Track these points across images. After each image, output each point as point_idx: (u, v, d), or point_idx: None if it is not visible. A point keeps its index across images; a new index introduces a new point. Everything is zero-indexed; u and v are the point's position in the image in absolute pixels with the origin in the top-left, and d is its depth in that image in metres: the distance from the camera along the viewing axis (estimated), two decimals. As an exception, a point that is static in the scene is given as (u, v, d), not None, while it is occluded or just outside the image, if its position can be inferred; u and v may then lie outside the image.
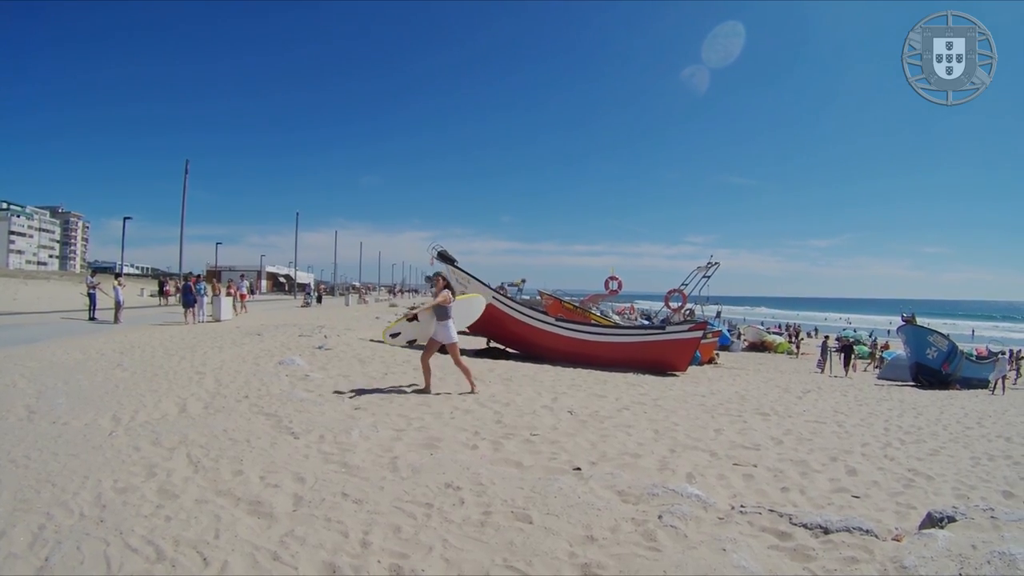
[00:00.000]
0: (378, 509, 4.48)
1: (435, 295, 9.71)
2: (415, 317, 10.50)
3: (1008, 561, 3.34)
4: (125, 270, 54.13)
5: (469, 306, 11.53)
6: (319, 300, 56.22)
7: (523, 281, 42.26)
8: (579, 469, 5.94)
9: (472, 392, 9.84)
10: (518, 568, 3.61)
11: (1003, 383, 22.41)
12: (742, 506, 4.83)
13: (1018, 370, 31.36)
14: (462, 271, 18.95)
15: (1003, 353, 25.81)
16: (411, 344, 11.20)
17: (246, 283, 41.52)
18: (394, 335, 10.89)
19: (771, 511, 4.62)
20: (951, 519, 4.28)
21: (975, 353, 30.16)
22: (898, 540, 4.12)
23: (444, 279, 9.74)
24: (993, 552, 3.45)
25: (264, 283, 79.01)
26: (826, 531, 4.21)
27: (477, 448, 6.59)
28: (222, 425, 6.83)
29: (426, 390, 9.69)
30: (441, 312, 9.57)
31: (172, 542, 3.78)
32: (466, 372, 9.99)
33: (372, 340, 18.34)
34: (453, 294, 9.71)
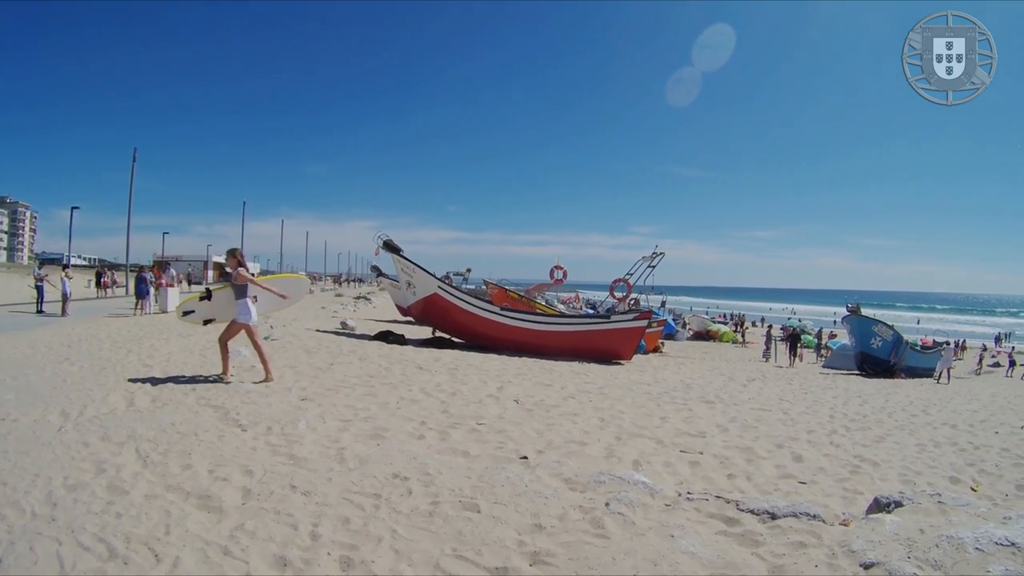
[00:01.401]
0: (327, 501, 4.42)
1: (232, 273, 8.99)
2: (209, 295, 9.94)
3: (956, 545, 3.31)
4: (73, 261, 52.36)
5: (286, 286, 10.77)
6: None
7: (468, 270, 42.32)
8: (526, 458, 5.93)
9: (266, 380, 9.02)
10: (467, 557, 3.57)
11: (948, 373, 22.90)
12: (689, 493, 4.83)
13: (980, 360, 32.35)
14: (407, 260, 18.91)
15: (948, 344, 26.42)
16: (208, 323, 10.37)
17: (172, 271, 40.23)
18: (187, 312, 10.08)
19: (718, 497, 4.62)
20: (898, 504, 4.28)
21: (920, 343, 30.83)
22: (846, 525, 4.10)
23: (238, 256, 9.02)
24: (941, 536, 3.43)
25: (211, 273, 77.14)
26: (773, 517, 4.19)
27: (424, 438, 6.56)
28: (170, 418, 6.63)
29: (223, 375, 9.00)
30: (238, 291, 8.87)
31: (124, 539, 3.67)
32: (263, 359, 9.18)
33: (318, 330, 18.26)
34: (247, 271, 9.03)
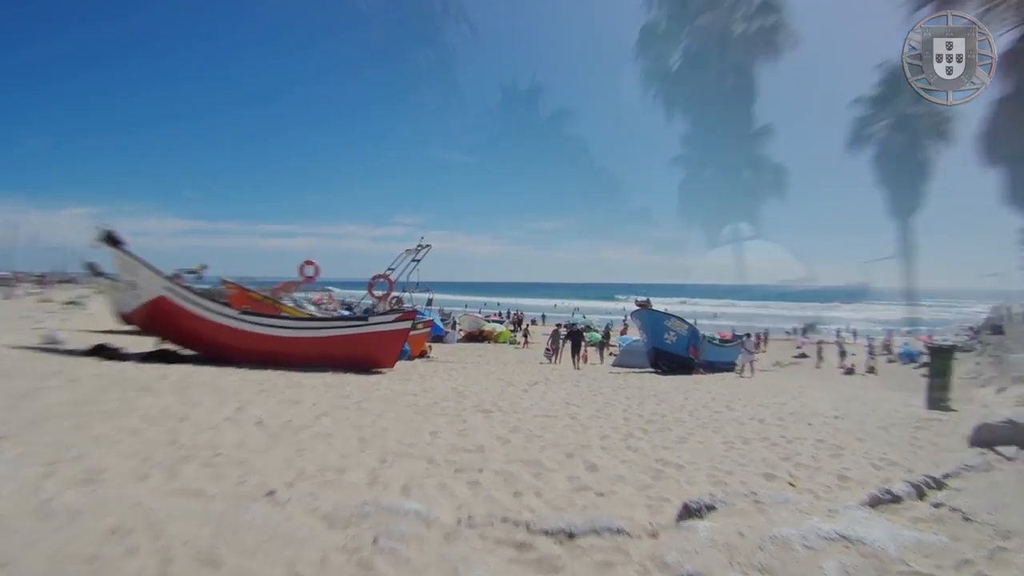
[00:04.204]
0: (32, 572, 3.98)
1: None
2: None
3: (782, 545, 3.48)
4: None
5: None
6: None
7: (203, 267, 40.61)
8: (273, 492, 5.72)
9: None
10: (214, 626, 3.37)
11: (751, 366, 24.85)
12: (471, 518, 4.82)
13: (819, 352, 35.51)
14: (130, 256, 18.03)
15: (748, 336, 28.61)
16: None
17: None
18: None
19: (505, 520, 4.65)
20: (710, 508, 4.49)
21: (718, 337, 33.22)
22: (655, 536, 4.22)
23: None
24: (764, 537, 3.61)
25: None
26: (571, 536, 4.27)
27: (148, 477, 6.21)
28: None
29: None
30: None
31: None
32: None
33: (17, 347, 16.95)
34: None
